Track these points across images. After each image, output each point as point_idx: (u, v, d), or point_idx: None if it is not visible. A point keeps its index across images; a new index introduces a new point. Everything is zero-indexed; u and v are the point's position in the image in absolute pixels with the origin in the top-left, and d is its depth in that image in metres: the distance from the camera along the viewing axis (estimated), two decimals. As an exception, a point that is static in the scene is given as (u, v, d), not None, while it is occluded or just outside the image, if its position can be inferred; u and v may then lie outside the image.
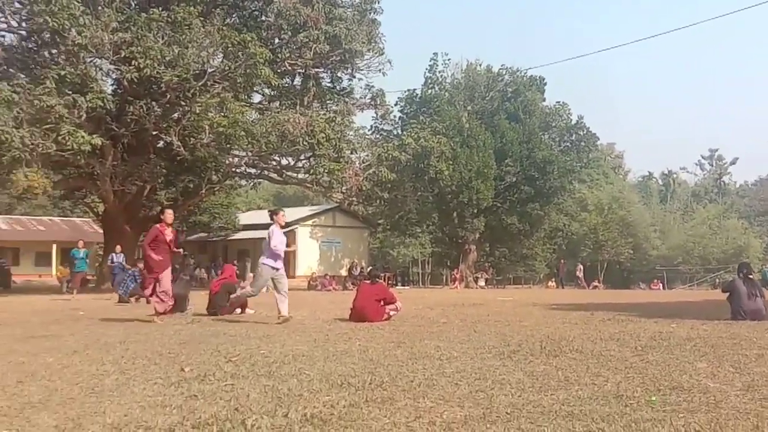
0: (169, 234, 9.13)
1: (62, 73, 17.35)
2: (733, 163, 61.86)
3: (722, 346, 5.73)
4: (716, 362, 4.82)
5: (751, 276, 9.63)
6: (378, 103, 27.73)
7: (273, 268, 8.63)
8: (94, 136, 17.61)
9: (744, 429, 2.80)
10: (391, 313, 8.97)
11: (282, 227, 9.00)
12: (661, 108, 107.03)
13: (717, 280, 37.10)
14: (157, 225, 9.20)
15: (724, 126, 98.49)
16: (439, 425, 2.85)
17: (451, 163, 31.30)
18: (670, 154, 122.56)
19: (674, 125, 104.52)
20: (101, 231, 26.72)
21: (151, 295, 9.20)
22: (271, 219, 9.12)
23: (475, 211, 35.34)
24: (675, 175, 58.73)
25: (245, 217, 36.74)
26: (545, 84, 40.32)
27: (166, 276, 8.98)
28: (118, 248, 19.00)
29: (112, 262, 18.71)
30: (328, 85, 26.99)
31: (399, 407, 3.19)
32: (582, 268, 35.58)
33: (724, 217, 48.63)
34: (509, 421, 2.91)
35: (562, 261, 37.93)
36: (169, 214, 9.45)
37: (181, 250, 9.50)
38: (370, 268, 16.24)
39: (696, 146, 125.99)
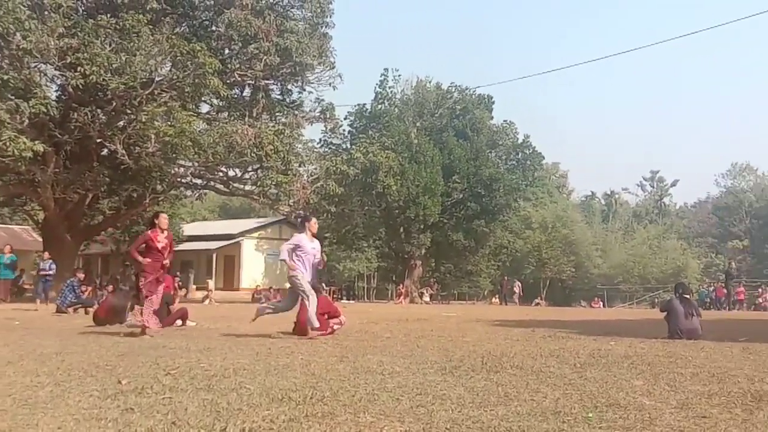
0: (162, 240, 8.53)
1: (5, 77, 17.58)
2: (673, 185, 65.69)
3: (659, 364, 5.93)
4: (652, 380, 4.99)
5: (687, 296, 9.96)
6: (328, 116, 28.65)
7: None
8: (36, 142, 17.82)
9: None
10: (335, 327, 9.00)
11: (314, 236, 8.63)
12: (606, 129, 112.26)
13: (656, 300, 38.83)
14: (148, 231, 8.62)
15: (665, 148, 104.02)
16: (378, 440, 2.88)
17: (399, 178, 32.45)
18: (613, 175, 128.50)
19: (618, 146, 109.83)
20: (41, 239, 26.59)
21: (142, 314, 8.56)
22: (302, 226, 8.77)
23: (422, 226, 36.58)
24: (617, 196, 61.85)
25: (190, 228, 36.91)
26: (493, 103, 42.25)
27: (160, 291, 8.44)
28: (46, 255, 18.96)
29: (40, 270, 18.66)
30: (278, 97, 27.68)
31: (339, 422, 3.26)
32: (520, 285, 37.22)
33: (663, 237, 50.81)
34: None
35: (506, 278, 39.59)
36: (164, 218, 8.79)
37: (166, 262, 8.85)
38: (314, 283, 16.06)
39: (638, 168, 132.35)
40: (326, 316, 8.87)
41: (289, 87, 27.67)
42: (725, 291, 34.01)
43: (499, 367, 5.51)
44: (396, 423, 3.25)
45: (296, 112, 27.59)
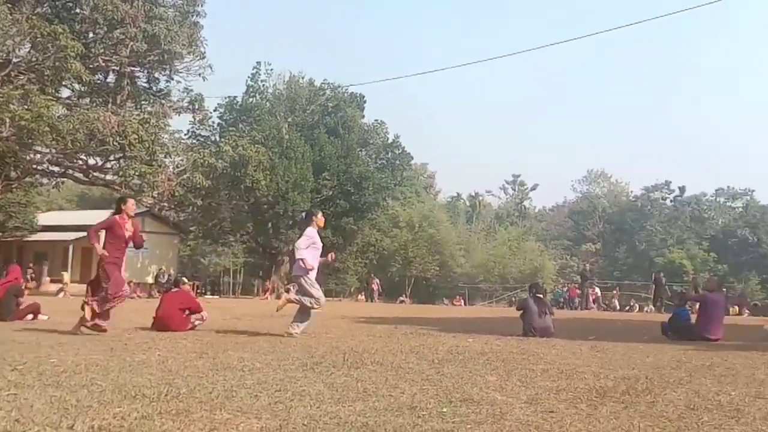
0: (129, 228, 8.23)
1: None
2: (533, 188, 71.07)
3: (512, 361, 6.29)
4: (505, 376, 5.27)
5: (540, 295, 10.68)
6: (196, 107, 29.38)
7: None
8: None
9: None
10: (196, 322, 9.13)
11: (322, 228, 8.90)
12: (473, 132, 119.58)
13: (513, 298, 42.45)
14: (115, 216, 8.21)
15: (526, 153, 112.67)
16: (234, 437, 2.93)
17: (268, 173, 33.50)
18: (478, 177, 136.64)
19: (483, 149, 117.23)
20: None
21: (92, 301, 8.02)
22: (308, 220, 9.03)
23: (291, 222, 37.70)
24: (481, 198, 66.27)
25: (45, 218, 35.80)
26: (365, 102, 44.19)
27: (116, 280, 8.02)
28: None
29: None
30: (144, 85, 28.00)
31: (194, 419, 3.27)
32: (378, 281, 39.13)
33: (523, 239, 54.84)
34: None
35: (372, 275, 41.96)
36: (131, 204, 8.56)
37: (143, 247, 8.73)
38: (175, 275, 16.23)
39: (501, 171, 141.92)
40: (187, 312, 9.16)
41: (156, 75, 28.10)
42: (578, 291, 38.57)
43: (360, 364, 5.72)
44: (253, 420, 3.32)
45: (163, 101, 28.04)
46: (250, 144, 32.36)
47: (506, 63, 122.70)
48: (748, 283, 53.07)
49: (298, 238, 8.96)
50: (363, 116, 44.66)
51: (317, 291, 8.66)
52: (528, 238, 56.72)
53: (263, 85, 39.56)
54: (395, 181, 45.48)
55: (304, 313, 8.73)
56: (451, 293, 44.88)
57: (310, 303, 8.59)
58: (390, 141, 45.33)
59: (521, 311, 10.40)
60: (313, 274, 8.57)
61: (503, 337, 9.37)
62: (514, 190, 70.11)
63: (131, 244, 8.35)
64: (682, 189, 66.92)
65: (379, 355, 6.41)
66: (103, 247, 7.96)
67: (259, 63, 39.24)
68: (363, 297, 40.32)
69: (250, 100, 38.44)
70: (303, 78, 43.31)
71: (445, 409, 3.75)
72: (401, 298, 41.17)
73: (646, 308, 36.53)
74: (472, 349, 7.27)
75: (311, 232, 8.80)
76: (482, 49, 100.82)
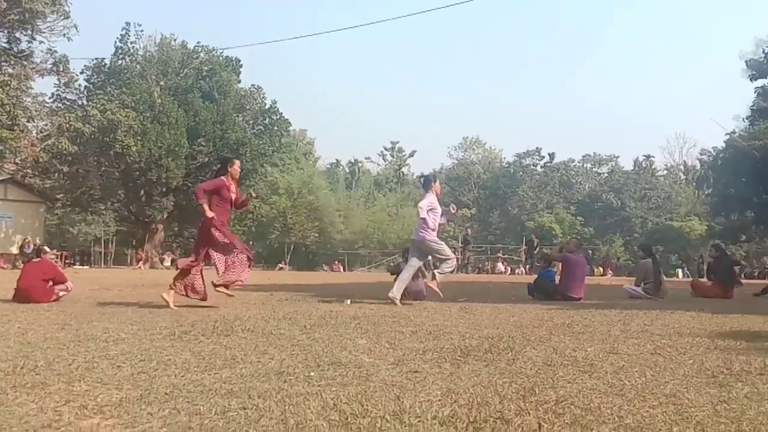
0: (233, 190, 8.34)
1: None
2: (411, 155, 74.62)
3: (383, 324, 6.46)
4: (375, 338, 5.40)
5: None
6: (61, 69, 29.43)
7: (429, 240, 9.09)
8: None
9: (387, 399, 3.20)
10: (61, 293, 9.18)
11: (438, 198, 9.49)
12: (353, 98, 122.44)
13: (391, 264, 45.37)
14: (222, 177, 8.30)
15: (405, 120, 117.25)
16: (91, 408, 2.97)
17: (139, 138, 33.96)
18: (357, 144, 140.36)
19: (363, 116, 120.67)
20: None
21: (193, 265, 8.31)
22: (428, 186, 9.42)
23: (165, 189, 38.24)
24: (360, 164, 69.09)
25: None
26: (241, 66, 45.04)
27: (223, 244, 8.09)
28: None
29: None
30: (4, 45, 27.69)
31: (50, 392, 3.27)
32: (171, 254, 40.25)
33: (401, 205, 57.60)
34: (167, 401, 3.09)
35: (252, 243, 43.48)
36: (237, 165, 8.60)
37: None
38: (38, 245, 15.45)
39: (380, 137, 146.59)
40: (51, 282, 9.26)
41: (17, 35, 27.86)
42: (457, 255, 42.14)
43: (230, 331, 5.76)
44: (113, 390, 3.31)
45: (25, 62, 27.94)
46: (120, 108, 32.68)
47: (386, 28, 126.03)
48: (613, 245, 59.04)
49: (421, 200, 9.52)
50: (239, 81, 45.39)
51: (444, 246, 9.34)
52: (407, 204, 58.78)
53: (133, 47, 39.57)
54: (273, 148, 46.38)
55: (444, 264, 9.39)
56: (330, 259, 46.71)
57: (443, 258, 9.31)
58: (268, 107, 46.16)
59: (395, 275, 10.50)
60: (435, 235, 9.19)
61: (378, 301, 9.60)
62: (393, 157, 73.16)
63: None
64: (551, 155, 71.83)
65: (251, 322, 6.48)
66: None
67: (128, 24, 39.22)
68: None
69: (120, 62, 38.42)
70: (175, 40, 43.53)
71: (312, 373, 3.87)
72: (280, 265, 42.67)
73: (517, 270, 39.59)
74: (345, 314, 7.44)
75: (432, 198, 9.28)
76: (362, 13, 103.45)
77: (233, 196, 8.32)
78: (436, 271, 9.88)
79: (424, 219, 9.01)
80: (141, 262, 36.07)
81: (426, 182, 9.68)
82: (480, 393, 3.40)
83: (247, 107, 45.99)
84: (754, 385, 3.71)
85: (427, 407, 3.07)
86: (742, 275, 34.38)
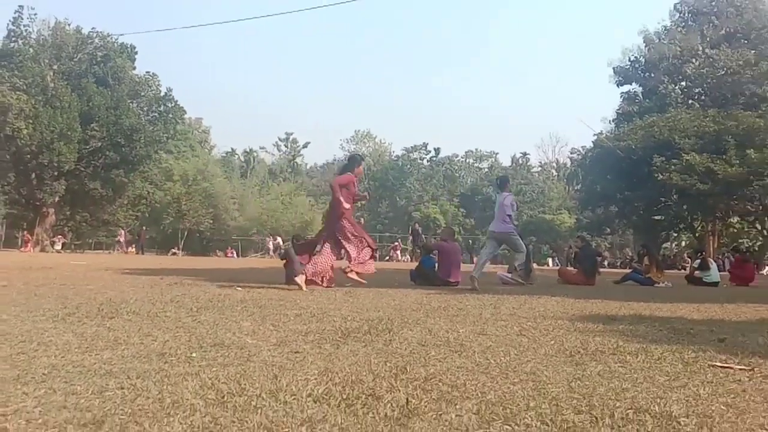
0: (356, 186, 9.20)
1: None
2: (305, 146, 77.01)
3: (269, 307, 6.48)
4: (260, 321, 5.43)
5: (302, 244, 10.93)
6: (-53, 50, 29.14)
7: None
8: None
9: (265, 378, 3.23)
10: None
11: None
12: (250, 88, 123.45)
13: (282, 250, 46.84)
14: (349, 173, 9.05)
15: (300, 112, 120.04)
16: (-37, 389, 2.87)
17: (31, 122, 34.02)
18: (253, 134, 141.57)
19: (259, 107, 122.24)
20: None
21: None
22: (503, 186, 11.31)
23: (56, 173, 38.22)
24: (255, 153, 70.53)
25: None
26: (136, 52, 45.43)
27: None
28: None
29: None
30: None
31: None
32: (123, 232, 41.26)
33: (294, 194, 59.53)
34: (44, 381, 3.03)
35: (144, 228, 44.08)
36: (363, 165, 9.72)
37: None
38: None
39: (275, 128, 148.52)
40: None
41: None
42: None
43: (116, 313, 5.69)
44: None
45: None
46: (11, 91, 32.73)
47: (284, 21, 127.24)
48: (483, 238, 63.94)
49: (502, 199, 11.07)
50: (134, 68, 45.82)
51: (520, 240, 11.20)
52: (300, 193, 61.51)
53: (26, 30, 39.29)
54: (168, 135, 47.06)
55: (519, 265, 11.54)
56: (224, 245, 47.91)
57: (519, 251, 11.14)
58: (162, 94, 46.82)
59: (284, 260, 10.67)
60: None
61: (267, 285, 9.74)
62: (287, 147, 75.21)
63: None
64: (437, 150, 76.28)
65: (137, 305, 6.39)
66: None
67: (21, 6, 38.94)
68: (133, 249, 41.84)
69: (12, 45, 38.07)
70: (69, 25, 43.41)
71: (194, 354, 3.86)
72: (173, 250, 43.68)
73: (402, 257, 42.95)
74: (233, 297, 7.50)
75: (512, 196, 11.24)
76: (263, 5, 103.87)
77: (356, 190, 9.13)
78: (516, 264, 11.77)
79: (509, 215, 10.48)
80: (30, 245, 35.78)
81: (503, 182, 11.40)
82: (355, 372, 3.50)
83: (142, 94, 46.56)
84: (607, 363, 3.91)
85: (303, 385, 3.16)
86: (605, 264, 38.68)
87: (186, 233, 47.98)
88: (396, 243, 45.89)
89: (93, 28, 43.38)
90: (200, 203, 49.55)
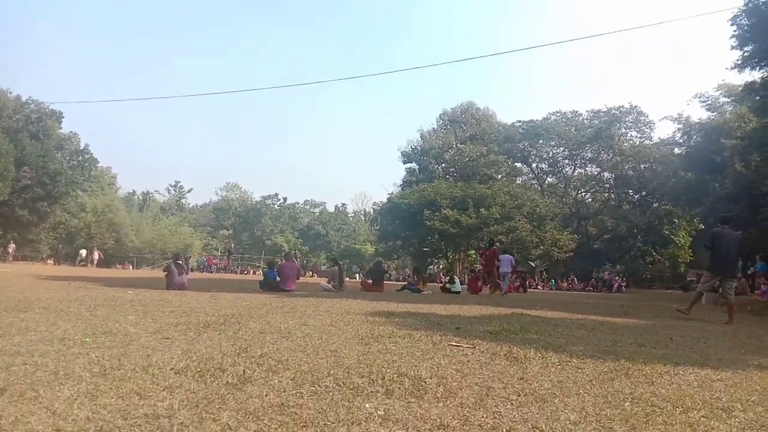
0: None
1: None
2: (189, 191, 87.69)
3: (151, 305, 6.83)
4: (142, 315, 5.76)
5: (180, 261, 12.20)
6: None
7: None
8: None
9: (139, 357, 3.48)
10: None
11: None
12: (148, 146, 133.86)
13: (163, 265, 53.74)
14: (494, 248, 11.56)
15: (187, 164, 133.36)
16: None
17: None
18: (149, 178, 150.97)
19: (155, 161, 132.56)
20: None
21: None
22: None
23: (-9, 206, 41.78)
24: (151, 194, 77.74)
25: None
26: (63, 116, 52.41)
27: None
28: None
29: None
30: None
31: None
32: (14, 246, 43.43)
33: (179, 225, 66.80)
34: None
35: (60, 246, 50.24)
36: (495, 252, 16.14)
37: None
38: None
39: (167, 176, 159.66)
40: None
41: None
42: (214, 261, 54.69)
43: (29, 308, 5.89)
44: None
45: None
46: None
47: (176, 100, 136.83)
48: (319, 258, 76.35)
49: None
50: (60, 127, 52.77)
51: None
52: (183, 224, 68.77)
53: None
54: (84, 178, 53.85)
55: None
56: (123, 260, 51.39)
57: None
58: (81, 148, 54.54)
59: (166, 272, 11.32)
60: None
61: (156, 289, 10.01)
62: (176, 191, 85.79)
63: None
64: (285, 198, 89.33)
65: (48, 302, 6.51)
66: None
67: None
68: (51, 261, 46.78)
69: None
70: (11, 93, 50.29)
71: (87, 339, 4.04)
72: (82, 263, 46.95)
73: (257, 271, 49.01)
74: (124, 298, 7.66)
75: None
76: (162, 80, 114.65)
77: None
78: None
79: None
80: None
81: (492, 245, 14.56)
82: (209, 352, 3.72)
83: (65, 147, 53.53)
84: (384, 344, 4.51)
85: (168, 362, 3.35)
86: (391, 278, 49.47)
87: (94, 249, 54.83)
88: (256, 262, 53.84)
89: (30, 96, 50.03)
90: (106, 229, 54.33)
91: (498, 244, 25.11)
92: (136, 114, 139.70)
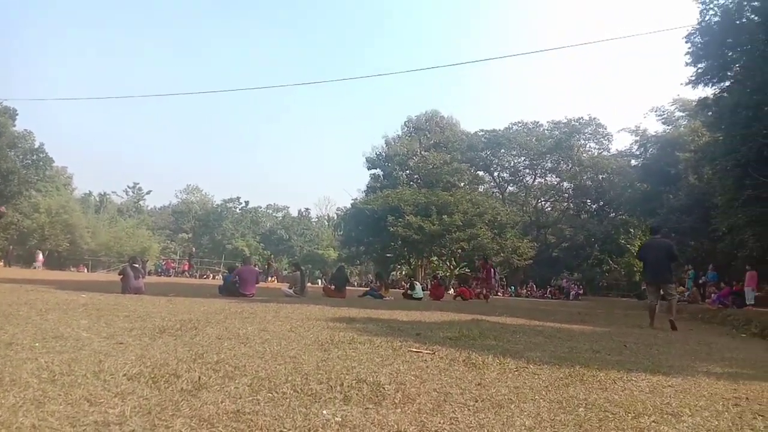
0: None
1: None
2: (148, 193, 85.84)
3: (106, 310, 6.72)
4: (96, 320, 5.64)
5: (136, 265, 12.02)
6: None
7: None
8: None
9: (91, 363, 3.39)
10: None
11: None
12: (106, 147, 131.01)
13: (120, 268, 52.33)
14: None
15: (145, 165, 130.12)
16: None
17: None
18: (107, 181, 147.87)
19: (114, 162, 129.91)
20: None
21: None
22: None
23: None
24: (108, 196, 76.46)
25: None
26: (17, 114, 51.47)
27: None
28: None
29: None
30: None
31: None
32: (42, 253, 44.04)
33: (137, 227, 65.76)
34: None
35: (12, 247, 48.28)
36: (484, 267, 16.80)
37: None
38: None
39: (125, 176, 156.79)
40: None
41: None
42: (173, 264, 53.86)
43: None
44: None
45: None
46: None
47: (137, 100, 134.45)
48: (281, 263, 76.27)
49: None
50: (14, 125, 51.23)
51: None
52: (141, 227, 67.76)
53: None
54: (38, 177, 52.63)
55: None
56: (78, 262, 51.45)
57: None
58: (36, 146, 53.04)
59: (121, 276, 11.18)
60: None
61: (108, 293, 9.81)
62: (134, 193, 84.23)
63: None
64: (246, 202, 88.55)
65: None
66: None
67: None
68: (1, 263, 43.89)
69: None
70: None
71: (37, 344, 3.92)
72: (35, 264, 49.43)
73: (216, 276, 47.88)
74: (76, 302, 7.44)
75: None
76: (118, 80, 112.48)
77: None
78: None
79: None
80: None
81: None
82: (164, 358, 3.64)
83: (19, 145, 51.96)
84: (344, 350, 4.52)
85: (121, 368, 3.27)
86: (354, 284, 49.83)
87: (47, 252, 53.80)
88: (216, 267, 53.59)
89: (-23, 94, 49.13)
90: (60, 230, 53.57)
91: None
92: (93, 113, 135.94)
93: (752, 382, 4.61)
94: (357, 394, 3.18)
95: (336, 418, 2.75)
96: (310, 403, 2.99)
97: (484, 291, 20.08)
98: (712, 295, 22.33)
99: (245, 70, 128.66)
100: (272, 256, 54.21)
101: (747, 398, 3.96)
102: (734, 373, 5.13)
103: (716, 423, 3.26)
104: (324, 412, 2.85)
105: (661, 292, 10.81)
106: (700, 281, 25.05)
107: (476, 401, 3.31)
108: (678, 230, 30.78)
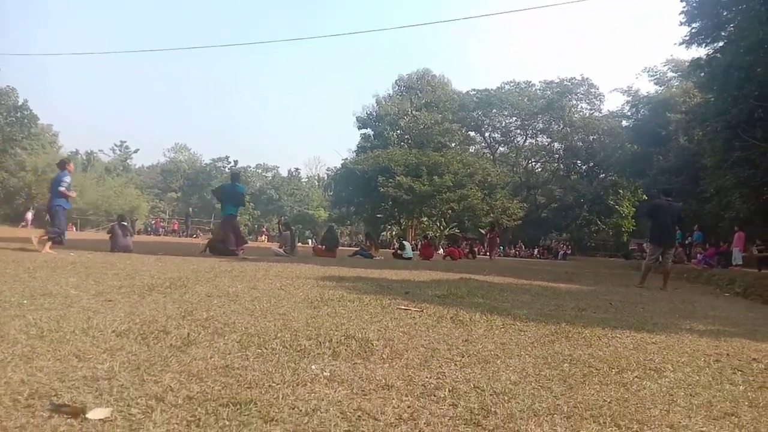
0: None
1: None
2: (135, 151, 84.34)
3: (94, 268, 6.69)
4: (84, 278, 5.57)
5: (124, 223, 11.99)
6: None
7: None
8: None
9: (80, 319, 3.32)
10: None
11: None
12: (93, 103, 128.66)
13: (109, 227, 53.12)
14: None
15: (133, 122, 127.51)
16: None
17: None
18: (95, 137, 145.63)
19: (100, 117, 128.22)
20: None
21: None
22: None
23: None
24: (95, 154, 76.19)
25: None
26: None
27: None
28: None
29: None
30: None
31: None
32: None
33: (125, 186, 65.20)
34: None
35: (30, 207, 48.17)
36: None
37: None
38: None
39: (112, 135, 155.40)
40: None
41: None
42: (162, 224, 53.70)
43: None
44: None
45: None
46: None
47: (127, 54, 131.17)
48: (271, 223, 75.91)
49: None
50: None
51: None
52: (129, 186, 67.42)
53: None
54: (23, 135, 52.40)
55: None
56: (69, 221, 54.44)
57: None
58: (20, 103, 52.74)
59: (110, 234, 11.23)
60: None
61: (98, 251, 9.84)
62: (121, 152, 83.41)
63: None
64: (236, 161, 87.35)
65: None
66: None
67: None
68: None
69: None
70: None
71: (25, 301, 3.90)
72: (22, 224, 45.76)
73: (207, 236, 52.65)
74: (65, 260, 7.49)
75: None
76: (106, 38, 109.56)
77: None
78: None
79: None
80: None
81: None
82: (153, 315, 3.62)
83: (2, 102, 51.94)
84: (334, 307, 4.58)
85: (109, 324, 3.26)
86: (345, 244, 50.31)
87: (35, 211, 54.26)
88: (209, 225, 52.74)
89: (-39, 47, 48.97)
90: (47, 189, 55.15)
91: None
92: (78, 70, 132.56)
93: (733, 339, 4.69)
94: (345, 350, 3.20)
95: (324, 373, 2.76)
96: (299, 359, 3.00)
97: (490, 252, 25.27)
98: (698, 255, 22.60)
99: (233, 24, 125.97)
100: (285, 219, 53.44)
101: (727, 354, 4.03)
102: (716, 330, 5.21)
103: (697, 378, 3.31)
104: (313, 367, 2.86)
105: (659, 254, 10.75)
106: (686, 242, 25.34)
107: (463, 357, 3.33)
108: (666, 191, 30.83)
